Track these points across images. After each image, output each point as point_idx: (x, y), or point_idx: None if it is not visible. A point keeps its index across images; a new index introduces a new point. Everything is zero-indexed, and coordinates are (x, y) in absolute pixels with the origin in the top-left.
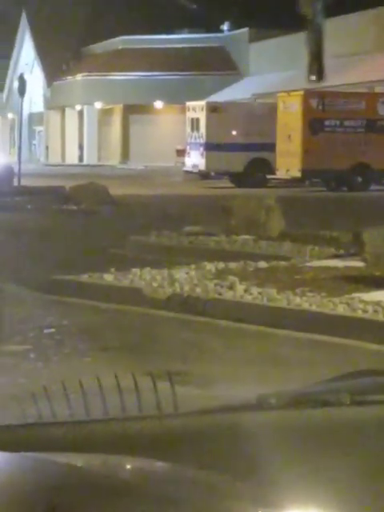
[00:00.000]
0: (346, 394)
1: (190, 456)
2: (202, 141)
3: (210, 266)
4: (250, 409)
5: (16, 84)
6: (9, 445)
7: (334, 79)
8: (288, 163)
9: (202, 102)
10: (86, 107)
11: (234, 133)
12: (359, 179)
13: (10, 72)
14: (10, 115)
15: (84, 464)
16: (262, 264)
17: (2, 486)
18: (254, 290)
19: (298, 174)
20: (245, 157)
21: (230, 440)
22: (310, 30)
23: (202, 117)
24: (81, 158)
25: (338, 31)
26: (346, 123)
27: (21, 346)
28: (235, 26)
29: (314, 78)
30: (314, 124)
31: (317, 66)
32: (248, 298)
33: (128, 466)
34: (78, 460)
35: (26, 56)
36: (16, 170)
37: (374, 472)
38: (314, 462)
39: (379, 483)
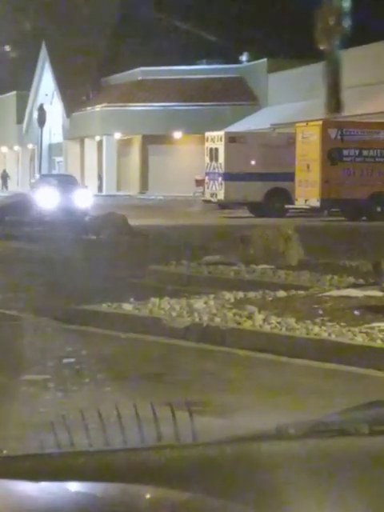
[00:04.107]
0: (365, 424)
1: (209, 486)
2: (221, 171)
3: (228, 296)
4: (269, 438)
5: (36, 115)
6: (28, 474)
7: (353, 109)
8: (307, 193)
9: (221, 132)
10: (105, 138)
11: (252, 163)
12: (378, 209)
13: (29, 103)
14: (29, 146)
15: (103, 493)
16: (281, 293)
17: None
18: (273, 320)
19: (317, 204)
20: (263, 186)
21: (249, 470)
22: (328, 64)
23: (221, 147)
24: (100, 188)
25: (358, 61)
26: (365, 153)
27: (40, 375)
28: (253, 56)
29: (330, 110)
30: (332, 154)
31: (335, 99)
32: (267, 328)
33: (147, 496)
34: (97, 489)
35: (46, 87)
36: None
37: None
38: (333, 491)
39: None
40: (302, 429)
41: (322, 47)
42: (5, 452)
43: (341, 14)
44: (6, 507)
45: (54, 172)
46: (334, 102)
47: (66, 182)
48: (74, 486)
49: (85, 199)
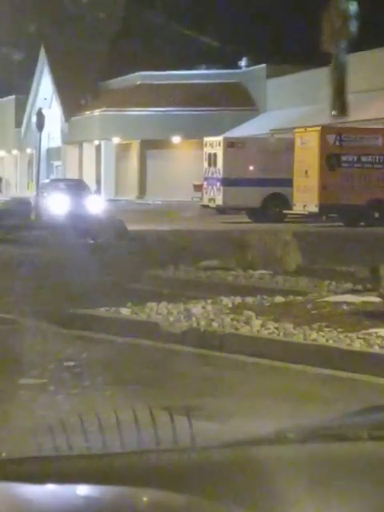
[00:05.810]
0: (364, 429)
1: (207, 489)
2: (219, 176)
3: (226, 301)
4: (268, 443)
5: (34, 119)
6: (27, 477)
7: (353, 115)
8: (305, 198)
9: (220, 138)
10: (103, 142)
11: (251, 168)
12: (376, 215)
13: (28, 107)
14: (28, 150)
15: (101, 496)
16: (279, 299)
17: None
18: (271, 325)
19: (315, 210)
20: (262, 192)
21: (248, 474)
22: (334, 67)
23: (220, 152)
24: (98, 193)
25: (357, 67)
26: (363, 159)
27: (38, 379)
28: (253, 62)
29: (336, 113)
30: (331, 160)
31: (340, 101)
32: (264, 333)
33: (145, 499)
34: (96, 492)
35: (45, 91)
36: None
37: None
38: (332, 496)
39: None
40: (301, 433)
41: (328, 51)
42: (4, 455)
43: (348, 18)
44: (5, 510)
45: (52, 177)
46: (340, 105)
47: (77, 187)
48: (72, 489)
49: (96, 204)
